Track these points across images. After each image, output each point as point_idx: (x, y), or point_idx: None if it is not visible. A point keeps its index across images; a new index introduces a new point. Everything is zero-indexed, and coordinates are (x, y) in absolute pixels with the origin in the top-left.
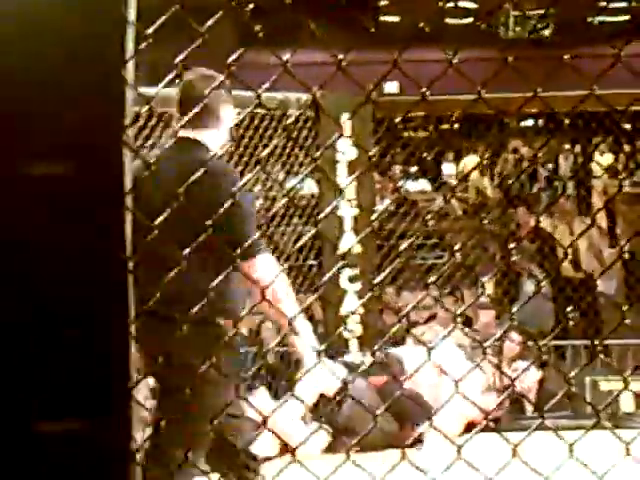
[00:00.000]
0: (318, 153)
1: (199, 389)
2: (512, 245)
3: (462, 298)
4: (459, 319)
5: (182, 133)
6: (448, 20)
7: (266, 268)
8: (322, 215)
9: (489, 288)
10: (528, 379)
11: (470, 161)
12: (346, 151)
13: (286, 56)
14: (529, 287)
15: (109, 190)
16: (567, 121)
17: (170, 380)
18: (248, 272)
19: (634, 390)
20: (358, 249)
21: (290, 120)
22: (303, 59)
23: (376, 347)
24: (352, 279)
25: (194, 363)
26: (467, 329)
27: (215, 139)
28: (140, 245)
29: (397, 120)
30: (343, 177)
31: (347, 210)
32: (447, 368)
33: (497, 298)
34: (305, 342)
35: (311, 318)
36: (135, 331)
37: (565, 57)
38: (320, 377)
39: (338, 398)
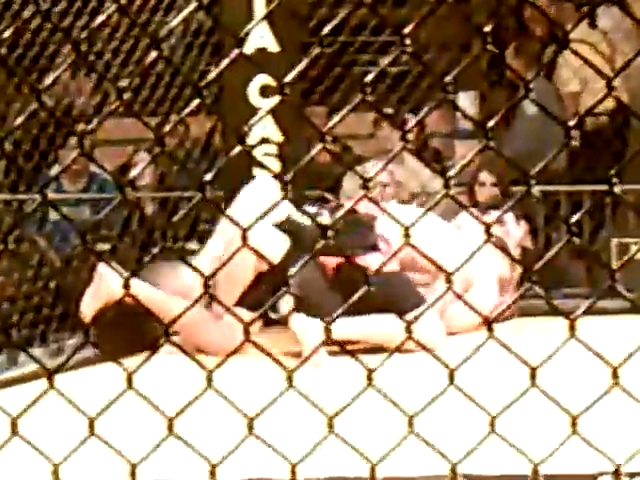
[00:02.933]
0: None
1: None
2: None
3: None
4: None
5: None
6: None
7: None
8: None
9: (471, 106)
10: (511, 237)
11: None
12: None
13: None
14: (530, 106)
15: None
16: None
17: None
18: None
19: None
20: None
21: None
22: None
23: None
24: (265, 90)
25: None
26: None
27: None
28: None
29: None
30: None
31: None
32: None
33: (482, 121)
34: None
35: (207, 147)
36: None
37: None
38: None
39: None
